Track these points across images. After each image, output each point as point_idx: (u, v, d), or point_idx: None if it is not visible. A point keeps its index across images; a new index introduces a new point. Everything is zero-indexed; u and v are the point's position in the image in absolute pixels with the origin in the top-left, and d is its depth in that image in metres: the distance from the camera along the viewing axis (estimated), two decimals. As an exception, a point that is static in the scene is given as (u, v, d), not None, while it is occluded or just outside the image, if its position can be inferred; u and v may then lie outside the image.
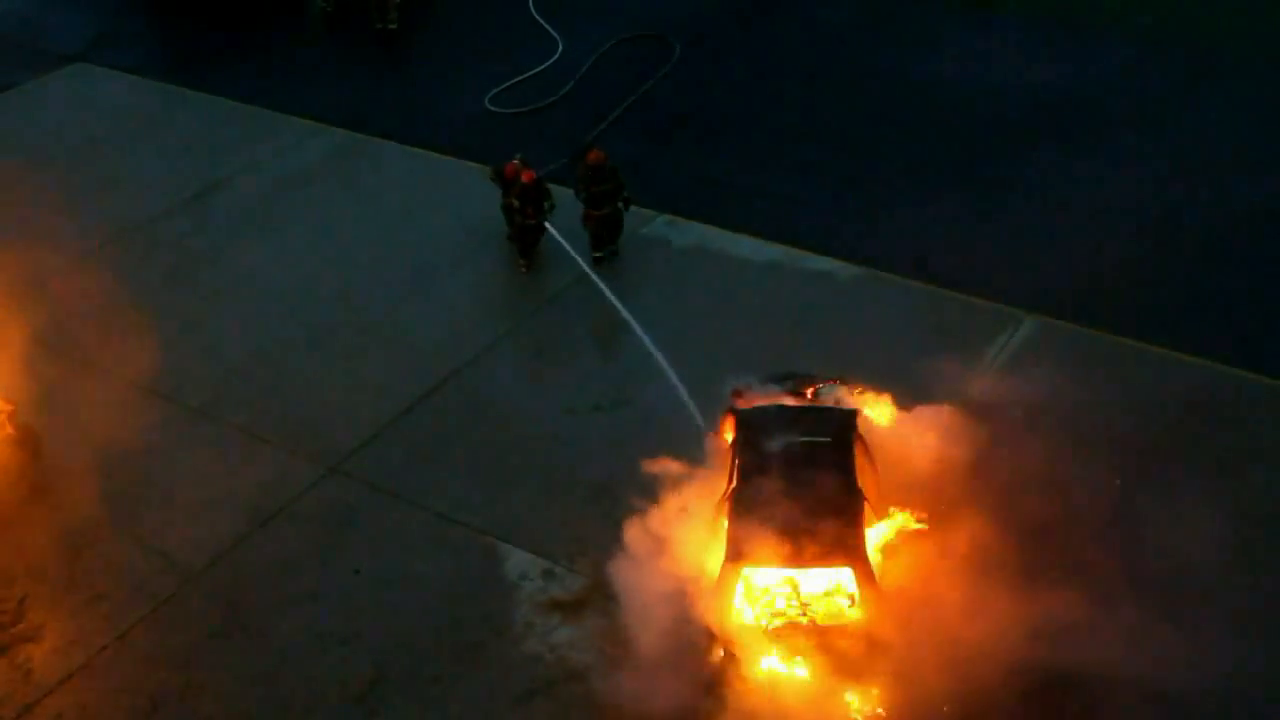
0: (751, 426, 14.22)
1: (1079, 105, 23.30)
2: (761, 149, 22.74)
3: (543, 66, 25.63)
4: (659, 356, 16.67)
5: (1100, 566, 13.74)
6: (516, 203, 19.17)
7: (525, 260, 19.58)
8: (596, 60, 25.56)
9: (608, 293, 18.10)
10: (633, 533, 14.33)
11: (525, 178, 19.02)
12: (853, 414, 14.41)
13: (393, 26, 27.28)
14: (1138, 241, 19.61)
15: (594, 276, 18.60)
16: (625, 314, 17.64)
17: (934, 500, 14.31)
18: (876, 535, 13.63)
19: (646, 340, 17.08)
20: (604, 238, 19.37)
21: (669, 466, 14.67)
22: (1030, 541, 13.92)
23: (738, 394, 15.09)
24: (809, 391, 15.17)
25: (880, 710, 12.69)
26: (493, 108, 24.53)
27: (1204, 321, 17.88)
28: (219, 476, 16.15)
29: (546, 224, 19.18)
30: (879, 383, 15.51)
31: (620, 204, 19.29)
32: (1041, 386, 16.48)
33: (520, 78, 25.28)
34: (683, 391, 16.01)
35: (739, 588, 13.11)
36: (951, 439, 14.89)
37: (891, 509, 14.05)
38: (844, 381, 15.42)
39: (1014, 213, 20.52)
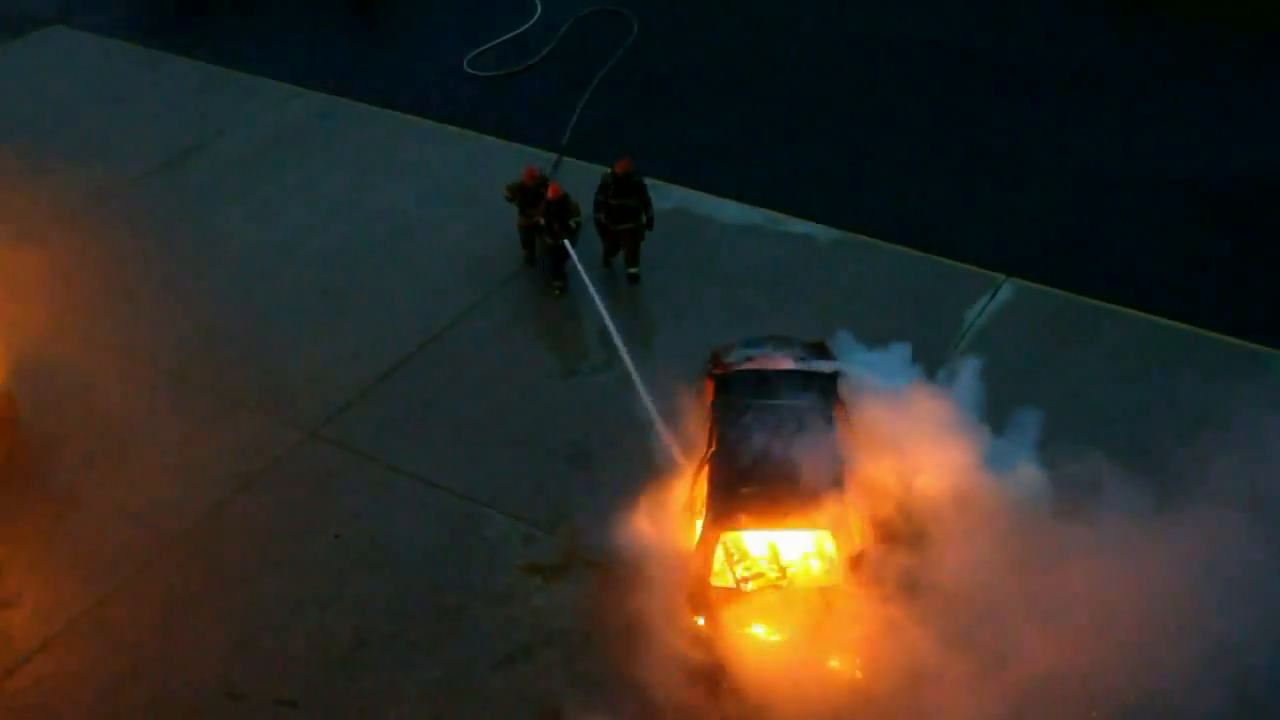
0: (731, 389, 14.24)
1: (1060, 71, 23.31)
2: (742, 113, 22.69)
3: (521, 29, 25.53)
4: (615, 332, 16.57)
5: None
6: (543, 221, 17.79)
7: (559, 282, 18.24)
8: (574, 23, 25.45)
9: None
10: (612, 497, 14.37)
11: (551, 193, 17.60)
12: (834, 377, 14.42)
13: (371, -11, 27.14)
14: (1117, 206, 19.70)
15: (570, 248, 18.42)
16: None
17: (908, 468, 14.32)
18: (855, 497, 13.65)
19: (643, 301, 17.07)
20: (626, 250, 18.15)
21: (648, 430, 14.67)
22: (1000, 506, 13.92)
23: (717, 356, 15.10)
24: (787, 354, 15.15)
25: (857, 670, 12.76)
26: (471, 70, 24.42)
27: (1183, 285, 17.96)
28: (197, 441, 16.10)
29: (566, 243, 17.69)
30: (857, 345, 15.52)
31: (644, 221, 17.93)
32: (1020, 349, 16.60)
33: (498, 40, 25.18)
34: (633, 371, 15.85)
35: (718, 550, 13.14)
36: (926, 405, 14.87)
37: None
38: (824, 345, 15.43)
39: (994, 176, 20.57)
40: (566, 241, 17.68)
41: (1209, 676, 11.77)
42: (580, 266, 17.55)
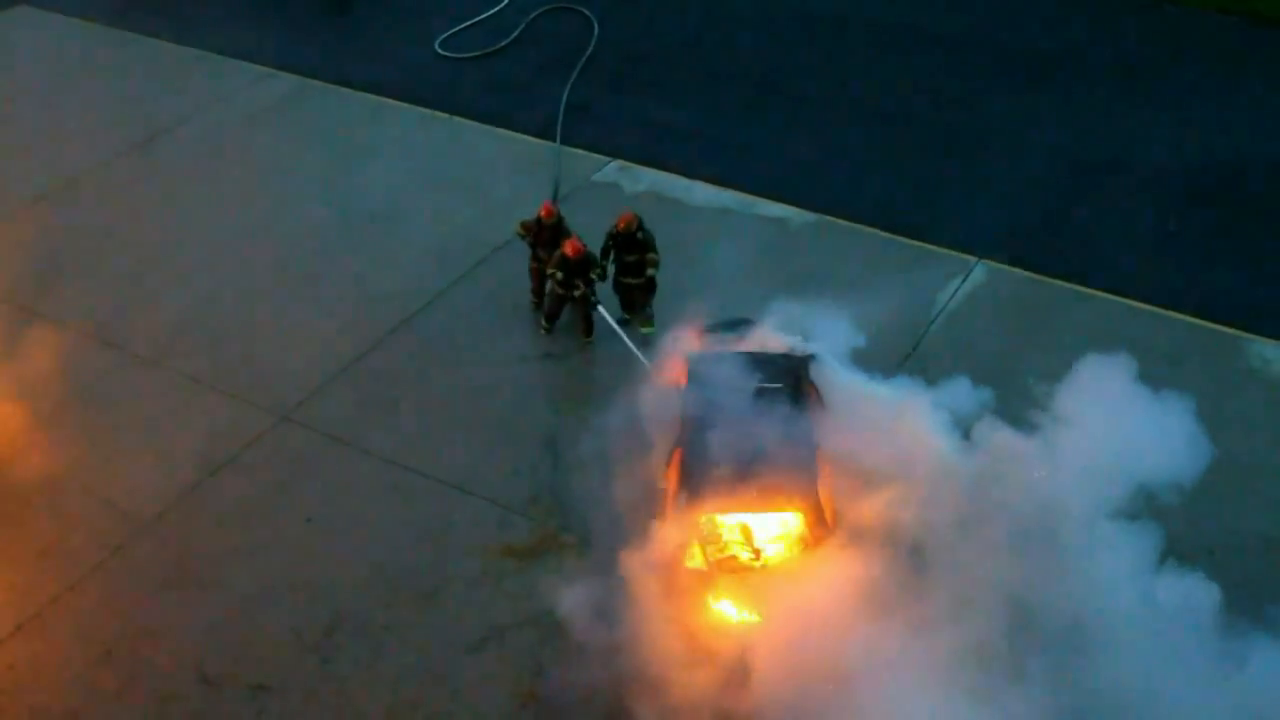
0: (703, 371, 14.23)
1: (1035, 53, 23.38)
2: (714, 96, 22.67)
3: (493, 11, 25.46)
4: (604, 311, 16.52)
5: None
6: (560, 274, 16.47)
7: (588, 338, 17.09)
8: (546, 8, 25.40)
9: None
10: (585, 479, 14.36)
11: (570, 251, 16.26)
12: (806, 359, 14.43)
13: (342, -30, 26.91)
14: (1089, 189, 19.79)
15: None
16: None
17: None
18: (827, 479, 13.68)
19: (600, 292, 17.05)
20: (635, 304, 17.18)
21: (620, 413, 14.67)
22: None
23: (689, 339, 15.09)
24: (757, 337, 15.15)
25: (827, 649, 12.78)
26: (443, 52, 24.33)
27: (1155, 268, 18.05)
28: (168, 425, 16.03)
29: (600, 306, 16.62)
30: (830, 328, 15.50)
31: (648, 275, 16.86)
32: (992, 331, 16.64)
33: (470, 22, 25.09)
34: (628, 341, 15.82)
35: (691, 532, 13.15)
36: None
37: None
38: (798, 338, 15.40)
39: (966, 159, 20.63)
40: (601, 308, 16.67)
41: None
42: (613, 321, 16.57)
